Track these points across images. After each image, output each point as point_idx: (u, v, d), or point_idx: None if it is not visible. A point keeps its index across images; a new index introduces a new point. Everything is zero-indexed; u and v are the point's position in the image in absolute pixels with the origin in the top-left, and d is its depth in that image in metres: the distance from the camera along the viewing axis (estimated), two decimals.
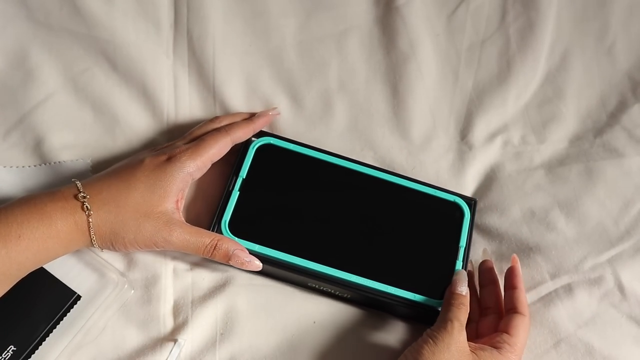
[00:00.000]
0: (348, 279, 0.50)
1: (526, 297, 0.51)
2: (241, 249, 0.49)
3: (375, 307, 0.52)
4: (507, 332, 0.48)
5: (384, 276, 0.50)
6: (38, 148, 0.54)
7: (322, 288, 0.52)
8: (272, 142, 0.55)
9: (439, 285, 0.51)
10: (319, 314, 0.52)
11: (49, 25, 0.57)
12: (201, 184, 0.55)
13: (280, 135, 0.56)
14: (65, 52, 0.57)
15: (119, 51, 0.57)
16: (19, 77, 0.56)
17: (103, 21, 0.57)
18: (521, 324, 0.48)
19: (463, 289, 0.49)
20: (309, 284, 0.52)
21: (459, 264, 0.52)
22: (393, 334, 0.52)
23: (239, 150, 0.54)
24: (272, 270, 0.51)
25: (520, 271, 0.52)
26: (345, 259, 0.51)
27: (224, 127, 0.53)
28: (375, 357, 0.51)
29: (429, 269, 0.52)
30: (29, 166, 0.53)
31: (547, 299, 0.53)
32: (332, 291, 0.52)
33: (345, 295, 0.52)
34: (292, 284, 0.53)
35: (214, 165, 0.53)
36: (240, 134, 0.53)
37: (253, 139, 0.55)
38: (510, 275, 0.52)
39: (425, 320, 0.50)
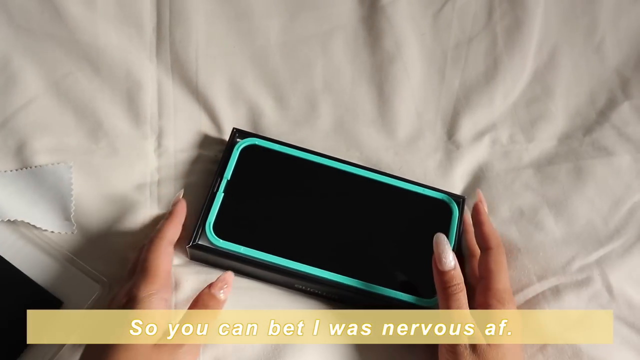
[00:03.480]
0: (336, 279, 0.50)
1: (493, 228, 0.51)
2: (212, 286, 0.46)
3: (364, 307, 0.52)
4: (485, 277, 0.48)
5: (372, 277, 0.50)
6: (20, 152, 0.54)
7: (309, 289, 0.51)
8: (256, 142, 0.54)
9: (429, 285, 0.50)
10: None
11: (30, 30, 0.57)
12: (187, 184, 0.55)
13: (265, 135, 0.56)
14: (47, 57, 0.57)
15: (101, 55, 0.57)
16: (1, 81, 0.56)
17: (85, 25, 0.57)
18: (492, 259, 0.48)
19: (451, 262, 0.47)
20: (295, 285, 0.51)
21: None
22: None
23: (223, 152, 0.54)
24: (259, 272, 0.51)
25: (483, 205, 0.52)
26: (333, 260, 0.50)
27: (153, 235, 0.48)
28: (363, 358, 0.51)
29: (418, 269, 0.51)
30: (10, 170, 0.53)
31: (534, 302, 0.52)
32: (320, 292, 0.51)
33: (334, 296, 0.51)
34: (278, 286, 0.52)
35: (202, 163, 0.53)
36: (173, 231, 0.49)
37: (237, 139, 0.55)
38: (473, 214, 0.52)
39: None
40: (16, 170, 0.53)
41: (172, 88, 0.58)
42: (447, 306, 0.45)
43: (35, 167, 0.53)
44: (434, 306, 0.50)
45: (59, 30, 0.57)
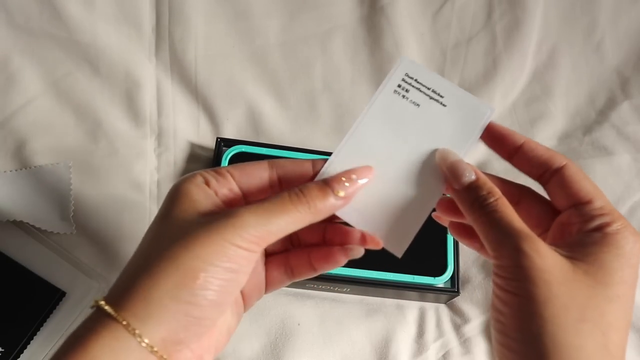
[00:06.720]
0: (356, 274, 0.50)
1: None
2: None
3: (379, 295, 0.53)
4: (580, 202, 0.31)
5: (387, 265, 0.50)
6: (19, 152, 0.54)
7: (321, 288, 0.51)
8: (243, 149, 0.53)
9: (435, 263, 0.51)
10: (303, 315, 0.51)
11: (29, 30, 0.57)
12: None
13: (263, 136, 0.56)
14: (47, 57, 0.57)
15: (100, 55, 0.57)
16: (0, 81, 0.56)
17: (84, 25, 0.57)
18: (573, 171, 0.31)
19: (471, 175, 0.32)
20: (313, 287, 0.52)
21: (450, 238, 0.52)
22: (378, 335, 0.52)
23: (212, 163, 0.53)
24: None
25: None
26: None
27: None
28: (360, 358, 0.51)
29: (422, 249, 0.52)
30: (10, 171, 0.53)
31: None
32: (338, 289, 0.52)
33: (354, 291, 0.52)
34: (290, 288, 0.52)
35: (201, 163, 0.53)
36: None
37: (224, 149, 0.54)
38: (496, 137, 0.35)
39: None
40: (16, 170, 0.53)
41: (171, 88, 0.58)
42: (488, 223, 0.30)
43: (35, 167, 0.53)
44: (444, 284, 0.51)
45: (59, 30, 0.57)
